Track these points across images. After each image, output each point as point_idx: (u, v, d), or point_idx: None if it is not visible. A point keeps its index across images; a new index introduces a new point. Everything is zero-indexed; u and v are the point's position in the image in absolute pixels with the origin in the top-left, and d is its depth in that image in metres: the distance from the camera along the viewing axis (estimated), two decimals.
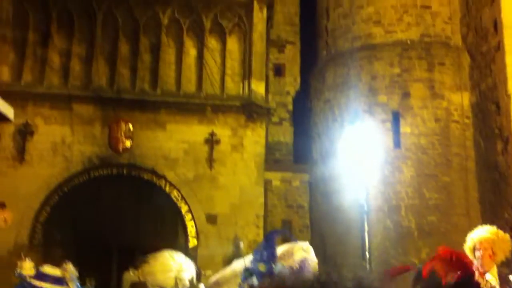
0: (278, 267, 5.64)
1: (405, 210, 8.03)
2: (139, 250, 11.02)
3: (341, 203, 10.45)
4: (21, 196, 11.09)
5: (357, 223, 7.08)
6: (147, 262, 7.43)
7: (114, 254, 12.01)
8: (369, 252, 6.48)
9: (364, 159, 6.70)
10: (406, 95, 11.21)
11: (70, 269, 3.65)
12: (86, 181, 12.26)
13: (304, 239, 6.76)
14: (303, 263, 5.75)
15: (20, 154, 12.00)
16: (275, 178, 13.09)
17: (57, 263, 3.71)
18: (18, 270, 3.62)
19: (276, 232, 7.36)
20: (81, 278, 9.49)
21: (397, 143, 9.04)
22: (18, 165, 11.93)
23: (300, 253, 5.90)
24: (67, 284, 3.60)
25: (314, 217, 12.77)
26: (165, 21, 12.93)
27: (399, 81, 11.25)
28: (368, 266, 6.41)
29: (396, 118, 10.07)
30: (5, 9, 12.47)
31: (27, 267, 3.60)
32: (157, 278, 7.23)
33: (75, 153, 12.22)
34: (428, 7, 12.32)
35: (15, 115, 11.42)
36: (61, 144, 12.22)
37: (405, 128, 9.57)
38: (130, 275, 7.25)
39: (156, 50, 12.89)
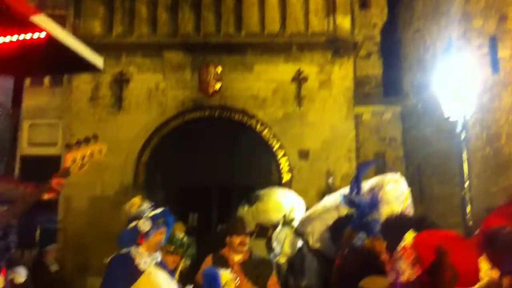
0: (365, 199, 5.68)
1: (505, 137, 7.73)
2: (236, 187, 11.48)
3: (436, 133, 10.20)
4: (122, 141, 11.75)
5: (454, 152, 6.93)
6: (260, 200, 7.66)
7: (213, 192, 12.56)
8: (468, 181, 6.35)
9: (460, 87, 6.47)
10: (503, 18, 10.51)
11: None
12: (180, 124, 12.76)
13: (397, 171, 6.74)
14: (393, 193, 5.77)
15: (118, 102, 12.63)
16: (366, 111, 12.92)
17: (160, 203, 3.88)
18: (127, 208, 3.77)
19: (367, 164, 7.35)
20: (184, 215, 10.08)
21: (495, 69, 8.57)
22: (117, 112, 12.59)
23: (391, 184, 5.90)
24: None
25: (408, 149, 12.57)
26: None
27: (495, 4, 10.56)
28: (467, 195, 6.30)
29: (493, 42, 9.52)
30: None
31: (138, 203, 3.76)
32: (270, 216, 7.46)
33: (169, 98, 12.70)
34: None
35: (110, 65, 12.06)
36: (155, 91, 12.71)
37: (503, 53, 9.03)
38: (244, 211, 7.52)
39: None
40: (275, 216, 7.44)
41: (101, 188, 11.87)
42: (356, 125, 12.68)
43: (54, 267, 7.21)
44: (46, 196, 2.85)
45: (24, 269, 5.51)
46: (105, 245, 7.50)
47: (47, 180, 2.85)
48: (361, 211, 5.52)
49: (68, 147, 2.92)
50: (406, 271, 1.93)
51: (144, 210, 3.71)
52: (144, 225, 3.62)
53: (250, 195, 7.93)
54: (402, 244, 1.96)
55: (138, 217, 3.68)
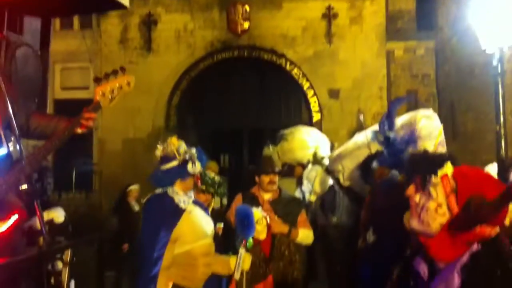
0: (398, 136, 5.62)
1: None
2: (266, 128, 11.49)
3: (471, 68, 9.90)
4: (153, 83, 11.80)
5: (489, 87, 6.72)
6: (285, 139, 7.67)
7: (243, 132, 12.62)
8: (503, 117, 6.19)
9: (498, 18, 6.20)
10: None
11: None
12: (210, 65, 12.72)
13: (430, 108, 6.61)
14: (425, 130, 5.67)
15: (147, 43, 12.61)
16: (398, 48, 12.57)
17: (192, 145, 3.88)
18: (162, 148, 3.76)
19: (399, 101, 7.22)
20: (216, 155, 10.21)
21: None
22: (146, 54, 12.59)
23: (424, 120, 5.80)
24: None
25: (441, 85, 12.28)
26: None
27: None
28: (502, 131, 6.16)
29: None
30: None
31: (174, 143, 3.75)
32: (295, 155, 7.48)
33: (197, 39, 12.60)
34: None
35: (137, 6, 11.96)
36: (183, 32, 12.62)
37: None
38: (270, 151, 7.56)
39: None
40: (300, 154, 7.46)
41: (134, 131, 12.05)
42: (387, 62, 12.41)
43: (136, 207, 7.49)
44: (79, 131, 2.85)
45: (62, 209, 5.68)
46: (139, 186, 7.71)
47: (78, 114, 2.86)
48: (394, 147, 5.47)
49: (97, 80, 2.90)
50: (440, 200, 1.91)
51: (181, 150, 3.70)
52: (186, 166, 3.64)
53: (275, 135, 7.94)
54: (440, 174, 1.93)
55: (173, 157, 3.66)
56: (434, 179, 1.92)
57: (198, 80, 12.66)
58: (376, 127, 6.19)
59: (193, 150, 3.72)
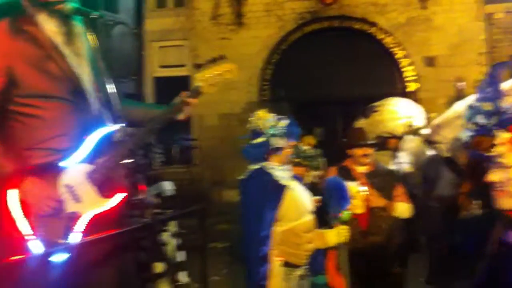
0: (505, 104, 5.35)
1: None
2: (359, 99, 11.35)
3: None
4: (245, 57, 11.95)
5: None
6: (376, 111, 7.56)
7: (335, 104, 12.53)
8: None
9: None
10: None
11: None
12: (300, 38, 12.67)
13: None
14: None
15: (238, 18, 12.76)
16: (498, 10, 11.83)
17: (285, 117, 3.86)
18: (253, 121, 3.79)
19: (500, 66, 6.83)
20: (309, 128, 10.23)
21: None
22: (238, 29, 12.75)
23: None
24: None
25: None
26: None
27: None
28: None
29: None
30: None
31: (264, 117, 3.77)
32: (387, 126, 7.36)
33: (287, 11, 12.57)
34: None
35: None
36: (273, 4, 12.63)
37: None
38: (361, 123, 7.50)
39: None
40: (392, 125, 7.30)
41: (229, 105, 12.30)
42: (487, 26, 11.75)
43: None
44: (181, 117, 2.91)
45: (171, 183, 5.95)
46: (236, 161, 7.92)
47: (177, 100, 2.91)
48: (502, 116, 5.26)
49: (197, 67, 3.00)
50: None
51: (270, 124, 3.70)
52: (276, 140, 3.65)
53: (365, 108, 7.81)
54: None
55: (261, 131, 3.68)
56: None
57: (289, 53, 12.67)
58: (477, 95, 5.95)
59: (283, 123, 3.73)
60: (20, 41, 2.58)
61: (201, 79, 2.93)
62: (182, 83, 12.78)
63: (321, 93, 12.39)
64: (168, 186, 5.82)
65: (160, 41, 13.26)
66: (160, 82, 13.35)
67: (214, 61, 2.98)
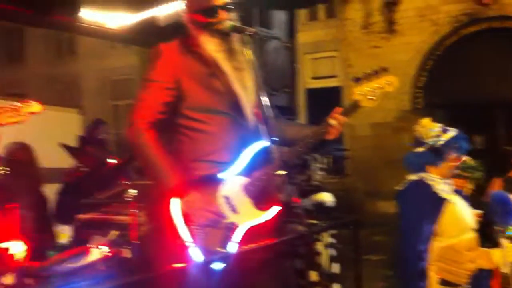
0: None
1: None
2: None
3: None
4: (397, 65, 11.66)
5: None
6: None
7: (497, 111, 11.70)
8: None
9: None
10: None
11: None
12: (455, 42, 12.09)
13: None
14: None
15: (390, 25, 12.52)
16: None
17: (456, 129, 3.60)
18: (417, 130, 3.61)
19: None
20: (468, 137, 9.63)
21: None
22: (389, 36, 12.52)
23: None
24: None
25: None
26: None
27: None
28: None
29: None
30: None
31: (428, 125, 3.56)
32: None
33: (441, 15, 12.07)
34: None
35: None
36: (426, 9, 12.21)
37: None
38: None
39: None
40: None
41: (381, 114, 12.07)
42: None
43: None
44: (330, 137, 2.81)
45: (331, 194, 5.93)
46: (390, 171, 7.75)
47: (329, 121, 2.80)
48: None
49: (356, 80, 2.85)
50: None
51: (433, 133, 3.49)
52: (438, 150, 3.47)
53: None
54: None
55: (426, 141, 3.48)
56: None
57: (444, 58, 12.12)
58: None
59: (449, 135, 3.50)
60: (188, 59, 2.80)
61: (359, 93, 2.84)
62: (333, 94, 12.91)
63: (480, 98, 11.64)
64: (328, 197, 5.83)
65: (313, 53, 13.52)
66: (312, 94, 13.55)
67: (375, 73, 2.84)
